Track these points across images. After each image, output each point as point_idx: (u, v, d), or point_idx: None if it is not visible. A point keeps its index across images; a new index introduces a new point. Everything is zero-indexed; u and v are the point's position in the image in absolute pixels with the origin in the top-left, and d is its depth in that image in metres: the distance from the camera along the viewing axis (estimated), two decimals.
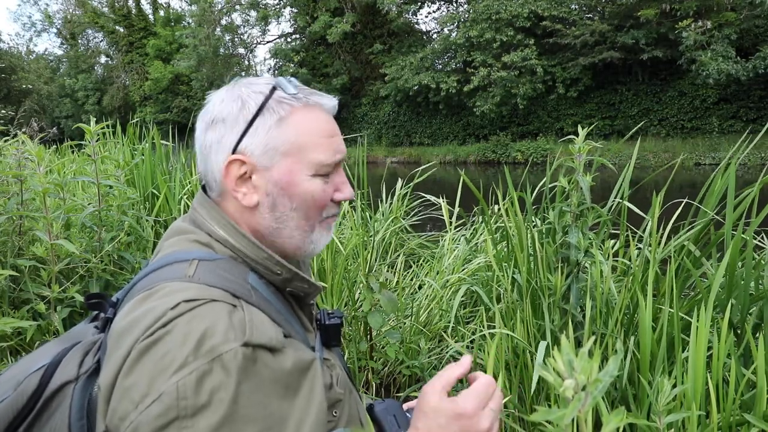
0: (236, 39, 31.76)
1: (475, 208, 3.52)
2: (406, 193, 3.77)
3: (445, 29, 24.87)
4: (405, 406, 0.89)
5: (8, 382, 0.71)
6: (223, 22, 30.80)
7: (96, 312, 0.82)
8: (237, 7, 30.49)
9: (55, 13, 42.90)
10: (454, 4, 27.08)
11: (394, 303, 1.88)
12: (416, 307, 2.56)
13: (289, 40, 31.24)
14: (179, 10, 38.60)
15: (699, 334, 1.40)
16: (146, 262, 0.81)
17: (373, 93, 27.48)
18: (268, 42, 32.75)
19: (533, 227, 2.17)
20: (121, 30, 37.61)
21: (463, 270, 2.83)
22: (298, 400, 0.66)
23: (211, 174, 0.79)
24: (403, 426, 0.82)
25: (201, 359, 0.59)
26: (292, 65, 28.49)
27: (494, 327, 1.91)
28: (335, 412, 0.78)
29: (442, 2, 27.74)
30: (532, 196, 2.40)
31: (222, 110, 0.77)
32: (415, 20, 29.09)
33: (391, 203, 3.74)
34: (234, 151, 0.76)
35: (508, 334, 1.91)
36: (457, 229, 3.49)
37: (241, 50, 32.32)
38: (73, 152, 5.08)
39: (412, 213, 3.89)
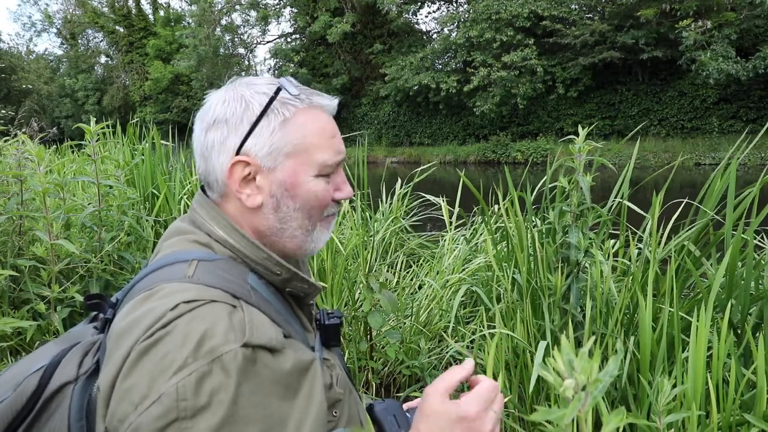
0: (236, 39, 31.79)
1: (475, 208, 3.52)
2: (406, 193, 3.77)
3: (445, 29, 24.87)
4: (405, 406, 0.89)
5: (7, 383, 0.71)
6: (223, 22, 30.81)
7: (95, 313, 0.82)
8: (237, 7, 30.51)
9: (55, 13, 42.96)
10: (454, 4, 27.09)
11: (394, 303, 1.88)
12: (416, 307, 2.56)
13: (289, 40, 31.25)
14: (179, 10, 38.64)
15: (699, 334, 1.40)
16: (146, 262, 0.80)
17: (373, 93, 27.48)
18: (268, 42, 32.78)
19: (533, 227, 2.17)
20: (121, 30, 37.62)
21: (463, 270, 2.83)
22: (298, 400, 0.66)
23: (212, 175, 0.79)
24: (403, 426, 0.82)
25: (201, 360, 0.59)
26: (292, 65, 28.50)
27: (494, 327, 1.91)
28: (335, 412, 0.78)
29: (442, 2, 27.75)
30: (532, 196, 2.40)
31: (225, 111, 0.77)
32: (415, 20, 29.13)
33: (391, 203, 3.74)
34: (238, 153, 0.76)
35: (508, 334, 1.91)
36: (457, 229, 3.49)
37: (241, 50, 32.35)
38: (73, 152, 5.08)
39: (412, 213, 3.89)
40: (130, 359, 0.61)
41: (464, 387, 0.77)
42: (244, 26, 32.01)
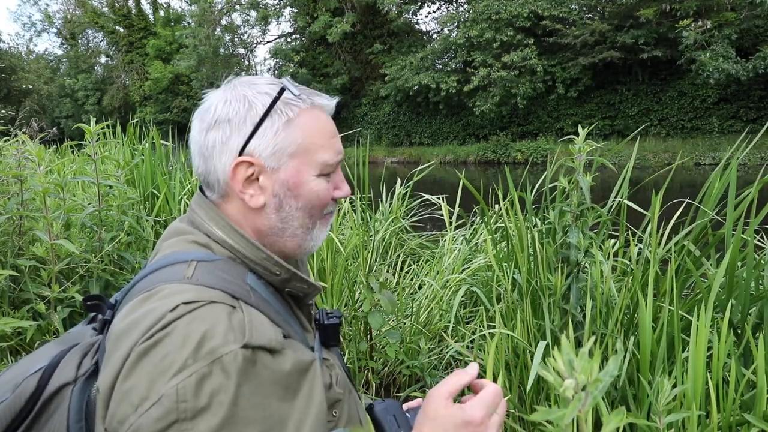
0: (236, 39, 31.79)
1: (475, 208, 3.52)
2: (406, 193, 3.77)
3: (445, 29, 24.87)
4: (405, 406, 0.89)
5: (6, 385, 0.71)
6: (223, 22, 30.82)
7: (94, 313, 0.82)
8: (237, 7, 30.51)
9: (55, 13, 42.97)
10: (454, 4, 27.09)
11: (394, 303, 1.88)
12: (416, 307, 2.56)
13: (289, 40, 31.26)
14: (179, 10, 38.65)
15: (699, 334, 1.40)
16: (146, 263, 0.80)
17: (373, 93, 27.49)
18: (268, 42, 32.78)
19: (533, 227, 2.17)
20: (121, 30, 37.62)
21: (463, 270, 2.83)
22: (298, 400, 0.66)
23: (213, 175, 0.78)
24: (403, 426, 0.82)
25: (201, 361, 0.59)
26: (292, 65, 28.50)
27: (494, 327, 1.91)
28: (335, 412, 0.78)
29: (442, 2, 27.75)
30: (532, 196, 2.40)
31: (227, 111, 0.76)
32: (415, 20, 29.13)
33: (390, 203, 3.74)
34: (241, 153, 0.76)
35: (508, 334, 1.91)
36: (458, 229, 3.49)
37: (241, 50, 32.36)
38: (73, 152, 5.09)
39: (412, 213, 3.89)
40: (130, 360, 0.61)
41: (464, 390, 0.77)
42: (244, 26, 32.04)
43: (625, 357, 1.66)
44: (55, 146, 5.64)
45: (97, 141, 2.34)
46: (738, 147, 2.33)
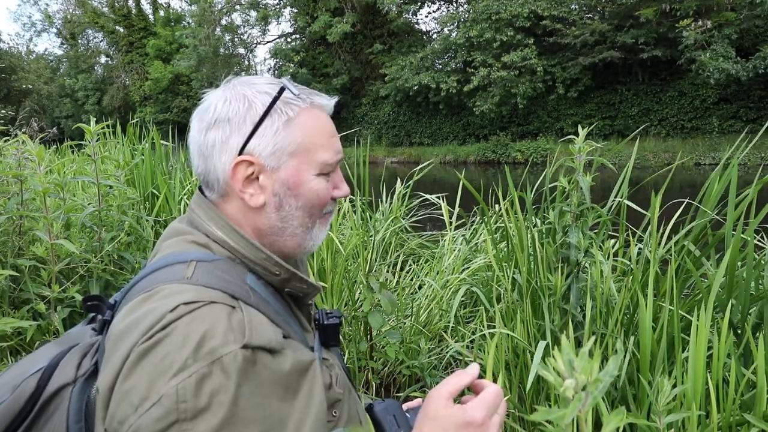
0: (236, 39, 31.78)
1: (475, 208, 3.52)
2: (407, 193, 3.77)
3: (445, 29, 24.87)
4: (404, 406, 0.89)
5: (5, 386, 0.71)
6: (223, 22, 30.81)
7: (93, 314, 0.82)
8: (237, 7, 30.51)
9: (55, 13, 42.97)
10: (454, 4, 27.09)
11: (394, 303, 1.88)
12: (416, 307, 2.56)
13: (289, 40, 31.26)
14: (179, 10, 38.64)
15: (699, 334, 1.39)
16: (145, 263, 0.80)
17: (373, 93, 27.48)
18: (268, 42, 32.78)
19: (533, 227, 2.17)
20: (121, 30, 37.62)
21: (463, 270, 2.83)
22: (298, 400, 0.66)
23: (213, 174, 0.78)
24: (403, 426, 0.82)
25: (201, 362, 0.59)
26: (292, 65, 28.50)
27: (494, 327, 1.91)
28: (335, 412, 0.78)
29: (442, 2, 27.75)
30: (532, 196, 2.41)
31: (227, 110, 0.76)
32: (415, 20, 29.11)
33: (390, 203, 3.74)
34: (241, 152, 0.76)
35: (508, 334, 1.91)
36: (458, 229, 3.49)
37: (241, 50, 32.35)
38: (73, 152, 5.09)
39: (412, 213, 3.90)
40: (130, 361, 0.61)
41: (464, 391, 0.77)
42: (244, 26, 32.03)
43: (625, 357, 1.66)
44: (55, 146, 5.64)
45: (97, 141, 2.34)
46: (738, 147, 2.33)
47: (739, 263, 1.79)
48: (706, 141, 18.84)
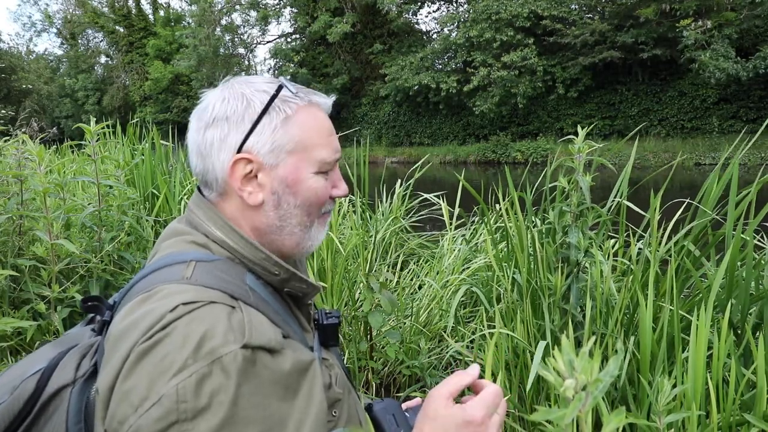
0: (236, 39, 31.78)
1: (475, 208, 3.52)
2: (407, 193, 3.77)
3: (445, 29, 24.88)
4: (403, 405, 0.89)
5: (4, 387, 0.71)
6: (223, 22, 30.81)
7: (92, 315, 0.82)
8: (237, 7, 30.50)
9: (55, 13, 42.96)
10: (454, 4, 27.09)
11: (394, 303, 1.88)
12: (416, 307, 2.56)
13: (289, 40, 31.26)
14: (179, 10, 38.64)
15: (699, 334, 1.39)
16: (145, 263, 0.80)
17: (373, 93, 27.49)
18: (268, 42, 32.78)
19: (533, 227, 2.17)
20: (121, 30, 37.62)
21: (463, 270, 2.83)
22: (298, 400, 0.65)
23: (211, 173, 0.78)
24: (402, 425, 0.82)
25: (200, 362, 0.59)
26: (292, 65, 28.51)
27: (494, 327, 1.91)
28: (335, 412, 0.78)
29: (442, 2, 27.75)
30: (532, 196, 2.41)
31: (225, 109, 0.77)
32: (415, 20, 29.11)
33: (390, 203, 3.74)
34: (239, 150, 0.76)
35: (508, 334, 1.91)
36: (457, 229, 3.49)
37: (241, 50, 32.35)
38: (73, 152, 5.09)
39: (412, 213, 3.90)
40: (130, 361, 0.61)
41: (464, 391, 0.77)
42: (244, 26, 32.03)
43: (625, 357, 1.66)
44: (55, 146, 5.64)
45: (97, 141, 2.34)
46: (736, 146, 2.33)
47: (739, 263, 1.79)
48: (706, 141, 18.84)
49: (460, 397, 0.76)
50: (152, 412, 0.57)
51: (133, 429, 0.57)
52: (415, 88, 23.39)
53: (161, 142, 3.83)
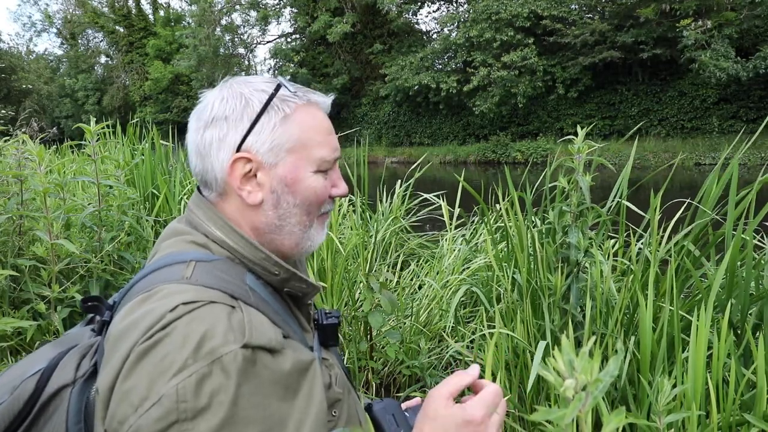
0: (236, 39, 31.77)
1: (475, 208, 3.52)
2: (407, 193, 3.77)
3: (445, 29, 24.87)
4: (403, 405, 0.89)
5: (4, 387, 0.71)
6: (223, 22, 30.81)
7: (92, 315, 0.81)
8: (237, 7, 30.50)
9: (55, 13, 42.97)
10: (454, 4, 27.09)
11: (394, 303, 1.88)
12: (416, 307, 2.56)
13: (289, 40, 31.26)
14: (179, 10, 38.64)
15: (699, 334, 1.39)
16: (145, 263, 0.80)
17: (373, 93, 27.48)
18: (268, 42, 32.78)
19: (533, 227, 2.17)
20: (121, 30, 37.62)
21: (463, 270, 2.83)
22: (298, 400, 0.65)
23: (211, 173, 0.78)
24: (402, 425, 0.82)
25: (201, 362, 0.59)
26: (292, 65, 28.51)
27: (494, 327, 1.91)
28: (335, 412, 0.78)
29: (442, 2, 27.75)
30: (531, 196, 2.41)
31: (224, 108, 0.77)
32: (415, 20, 29.11)
33: (390, 203, 3.74)
34: (238, 149, 0.76)
35: (508, 334, 1.91)
36: (457, 229, 3.49)
37: (241, 50, 32.35)
38: (73, 152, 5.09)
39: (412, 213, 3.90)
40: (130, 361, 0.61)
41: (464, 391, 0.77)
42: (244, 26, 32.02)
43: (625, 357, 1.66)
44: (55, 146, 5.64)
45: (97, 141, 2.34)
46: (735, 146, 2.33)
47: (739, 263, 1.79)
48: (706, 141, 18.84)
49: (460, 397, 0.76)
50: (152, 412, 0.57)
51: (133, 429, 0.57)
52: (415, 88, 23.38)
53: (161, 142, 3.83)
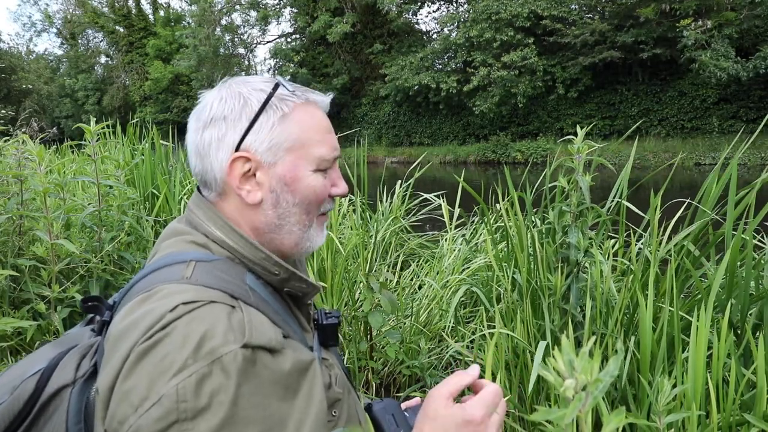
0: (236, 39, 31.78)
1: (475, 208, 3.52)
2: (407, 193, 3.77)
3: (445, 29, 24.88)
4: (403, 405, 0.89)
5: (4, 387, 0.71)
6: (223, 22, 30.81)
7: (92, 315, 0.81)
8: (237, 7, 30.51)
9: (55, 13, 42.98)
10: (454, 4, 27.09)
11: (394, 303, 1.88)
12: (416, 307, 2.56)
13: (289, 40, 31.26)
14: (179, 10, 38.65)
15: (699, 334, 1.39)
16: (145, 263, 0.80)
17: (373, 93, 27.49)
18: (268, 42, 32.79)
19: (533, 227, 2.17)
20: (121, 30, 37.63)
21: (463, 270, 2.83)
22: (298, 400, 0.65)
23: (210, 173, 0.78)
24: (402, 425, 0.82)
25: (201, 361, 0.59)
26: (292, 65, 28.52)
27: (494, 327, 1.91)
28: (334, 412, 0.78)
29: (442, 2, 27.75)
30: (531, 196, 2.41)
31: (222, 108, 0.77)
32: (415, 20, 29.12)
33: (390, 203, 3.74)
34: (237, 149, 0.76)
35: (508, 334, 1.91)
36: (457, 229, 3.49)
37: (241, 50, 32.35)
38: (73, 152, 5.09)
39: (412, 213, 3.90)
40: (130, 361, 0.61)
41: (464, 391, 0.77)
42: (244, 26, 32.02)
43: (625, 357, 1.66)
44: (55, 146, 5.64)
45: (97, 141, 2.34)
46: (736, 146, 2.33)
47: (739, 263, 1.79)
48: (706, 141, 18.84)
49: (460, 397, 0.76)
50: (152, 412, 0.57)
51: (133, 429, 0.57)
52: (415, 88, 23.39)
53: (161, 142, 3.83)
